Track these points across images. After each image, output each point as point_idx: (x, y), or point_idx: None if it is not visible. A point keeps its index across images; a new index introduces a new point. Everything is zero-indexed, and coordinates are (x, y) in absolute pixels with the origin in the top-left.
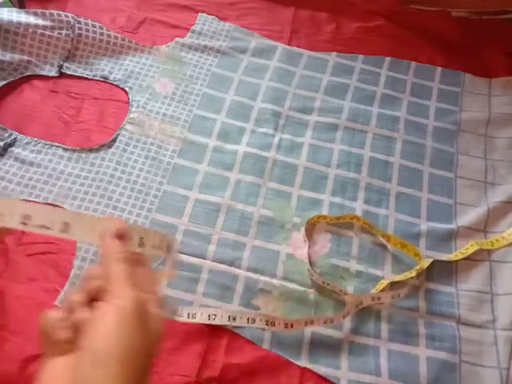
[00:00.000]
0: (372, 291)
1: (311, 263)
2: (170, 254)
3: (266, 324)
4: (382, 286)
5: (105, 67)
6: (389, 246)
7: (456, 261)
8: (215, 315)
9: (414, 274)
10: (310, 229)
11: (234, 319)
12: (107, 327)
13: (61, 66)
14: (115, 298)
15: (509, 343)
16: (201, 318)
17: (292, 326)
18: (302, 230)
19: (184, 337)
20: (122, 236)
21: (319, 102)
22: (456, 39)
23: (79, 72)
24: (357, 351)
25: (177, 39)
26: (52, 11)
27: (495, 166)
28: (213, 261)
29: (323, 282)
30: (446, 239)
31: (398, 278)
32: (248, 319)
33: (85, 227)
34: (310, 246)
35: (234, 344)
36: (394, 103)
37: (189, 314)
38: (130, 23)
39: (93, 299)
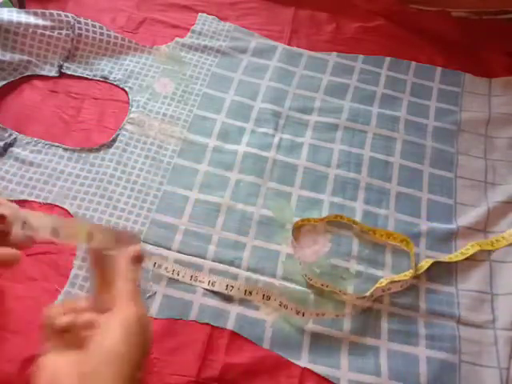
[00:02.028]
0: (371, 291)
1: (310, 263)
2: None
3: (279, 305)
4: (381, 286)
5: (105, 67)
6: (375, 240)
7: (456, 261)
8: (232, 287)
9: (412, 273)
10: (297, 234)
11: (250, 293)
12: (115, 332)
13: (61, 66)
14: (121, 309)
15: (509, 343)
16: (219, 287)
17: (303, 314)
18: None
19: (184, 337)
20: (138, 258)
21: (319, 102)
22: (456, 39)
23: (79, 72)
24: (357, 351)
25: (177, 39)
26: (52, 11)
27: (495, 166)
28: (213, 261)
29: (322, 285)
30: (446, 239)
31: (397, 277)
32: (263, 296)
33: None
34: (303, 248)
35: (234, 344)
36: (394, 103)
37: (209, 282)
38: (130, 23)
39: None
